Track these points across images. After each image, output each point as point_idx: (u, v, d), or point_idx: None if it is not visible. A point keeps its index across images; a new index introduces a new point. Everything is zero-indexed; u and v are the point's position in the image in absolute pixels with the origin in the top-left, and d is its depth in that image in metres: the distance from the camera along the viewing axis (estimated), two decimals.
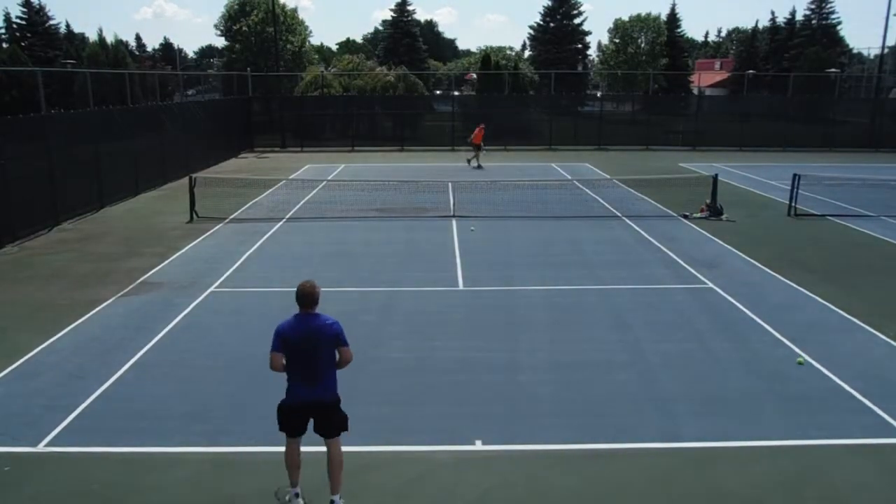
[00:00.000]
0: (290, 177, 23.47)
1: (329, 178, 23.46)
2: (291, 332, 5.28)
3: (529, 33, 61.91)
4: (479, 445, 6.45)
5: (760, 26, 68.82)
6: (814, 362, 8.29)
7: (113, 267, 12.43)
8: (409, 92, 37.19)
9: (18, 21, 50.64)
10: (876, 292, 11.14)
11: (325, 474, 5.39)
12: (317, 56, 63.94)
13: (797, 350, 8.64)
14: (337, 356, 5.34)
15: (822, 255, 13.52)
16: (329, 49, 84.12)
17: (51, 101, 24.01)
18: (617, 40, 57.84)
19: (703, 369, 8.17)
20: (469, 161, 26.40)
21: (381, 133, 34.77)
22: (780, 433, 6.70)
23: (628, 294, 10.99)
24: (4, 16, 50.95)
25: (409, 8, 61.78)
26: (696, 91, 51.23)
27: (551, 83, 41.23)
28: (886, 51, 50.12)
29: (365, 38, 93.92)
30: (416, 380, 7.79)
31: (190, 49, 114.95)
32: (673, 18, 59.33)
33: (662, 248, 13.94)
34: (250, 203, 18.57)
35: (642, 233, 15.28)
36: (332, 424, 5.39)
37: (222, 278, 11.72)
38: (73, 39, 56.21)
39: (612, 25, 58.45)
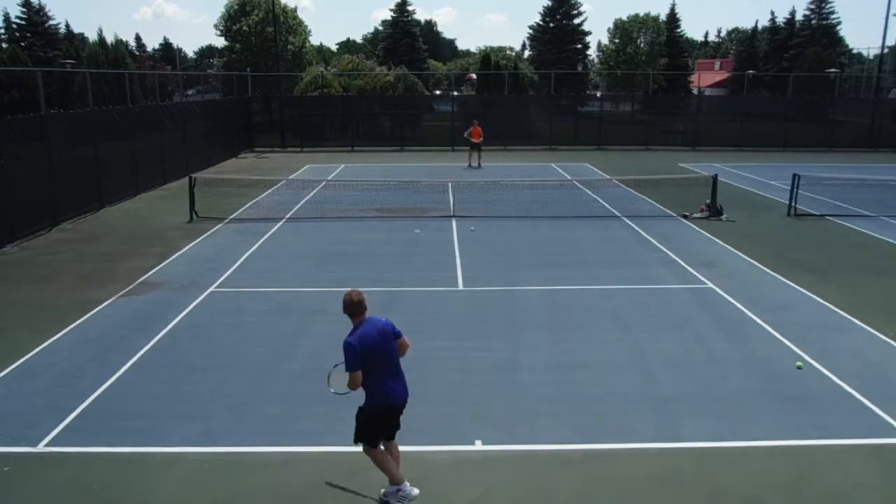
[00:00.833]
0: (290, 177, 23.48)
1: (329, 178, 23.46)
2: (366, 341, 5.28)
3: (529, 33, 61.99)
4: (479, 445, 6.45)
5: (760, 26, 68.96)
6: (814, 362, 8.29)
7: (113, 267, 12.43)
8: (409, 92, 37.19)
9: (18, 21, 50.66)
10: (876, 292, 11.15)
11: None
12: (317, 55, 63.92)
13: (797, 350, 8.64)
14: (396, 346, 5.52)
15: (822, 255, 13.52)
16: (329, 49, 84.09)
17: (51, 101, 24.04)
18: (617, 40, 57.82)
19: (702, 369, 8.18)
20: (470, 164, 26.31)
21: (380, 133, 34.77)
22: (780, 433, 6.70)
23: (628, 294, 10.99)
24: (4, 16, 50.99)
25: (409, 8, 61.76)
26: (695, 91, 51.25)
27: (551, 83, 41.24)
28: (886, 51, 50.17)
29: (365, 38, 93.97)
30: (416, 380, 7.74)
31: (190, 49, 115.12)
32: (673, 18, 59.40)
33: (662, 248, 13.94)
34: (250, 203, 18.58)
35: (642, 233, 15.28)
36: (398, 423, 5.60)
37: (222, 278, 11.72)
38: (73, 39, 56.17)
39: (611, 25, 58.50)
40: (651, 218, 16.98)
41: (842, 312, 10.11)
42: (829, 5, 59.85)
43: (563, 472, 6.06)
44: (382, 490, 5.63)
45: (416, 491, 5.57)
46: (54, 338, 8.99)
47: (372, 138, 34.21)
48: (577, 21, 58.28)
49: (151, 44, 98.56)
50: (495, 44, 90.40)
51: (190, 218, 16.48)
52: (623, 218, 16.88)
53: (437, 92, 52.18)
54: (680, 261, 12.91)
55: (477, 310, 10.27)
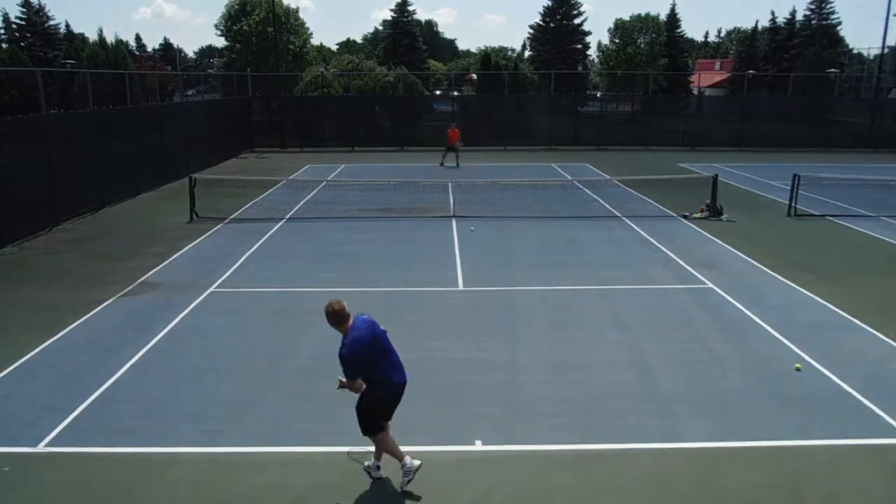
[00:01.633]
0: (290, 177, 23.46)
1: (329, 178, 23.46)
2: (357, 348, 5.37)
3: (529, 33, 62.03)
4: (479, 445, 6.45)
5: (760, 26, 68.97)
6: (814, 362, 8.29)
7: (113, 267, 12.42)
8: (409, 92, 37.18)
9: (18, 21, 50.66)
10: (876, 292, 11.14)
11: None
12: (317, 55, 63.90)
13: (797, 350, 8.64)
14: None
15: (822, 255, 13.52)
16: (329, 49, 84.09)
17: (50, 102, 24.02)
18: (617, 40, 57.85)
19: (702, 369, 8.17)
20: (443, 163, 26.49)
21: (380, 133, 34.77)
22: (780, 433, 6.69)
23: (628, 294, 10.99)
24: (4, 16, 50.99)
25: (409, 8, 61.85)
26: (695, 91, 51.24)
27: (551, 83, 41.25)
28: (886, 51, 50.12)
29: (365, 39, 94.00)
30: (416, 380, 7.74)
31: (190, 49, 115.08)
32: (673, 18, 59.43)
33: (662, 248, 13.93)
34: (250, 203, 18.58)
35: (642, 233, 15.28)
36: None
37: (222, 278, 11.72)
38: (73, 39, 56.19)
39: (612, 25, 58.53)
40: (651, 218, 16.97)
41: (842, 312, 10.10)
42: (829, 5, 59.92)
43: (563, 472, 6.06)
44: (369, 463, 5.85)
45: (417, 462, 5.68)
46: (54, 338, 8.98)
47: (372, 138, 34.20)
48: (577, 21, 58.37)
49: (151, 44, 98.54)
50: (495, 44, 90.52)
51: (190, 218, 16.48)
52: (623, 218, 16.88)
53: (438, 92, 52.19)
54: (680, 261, 12.91)
55: (477, 310, 10.26)
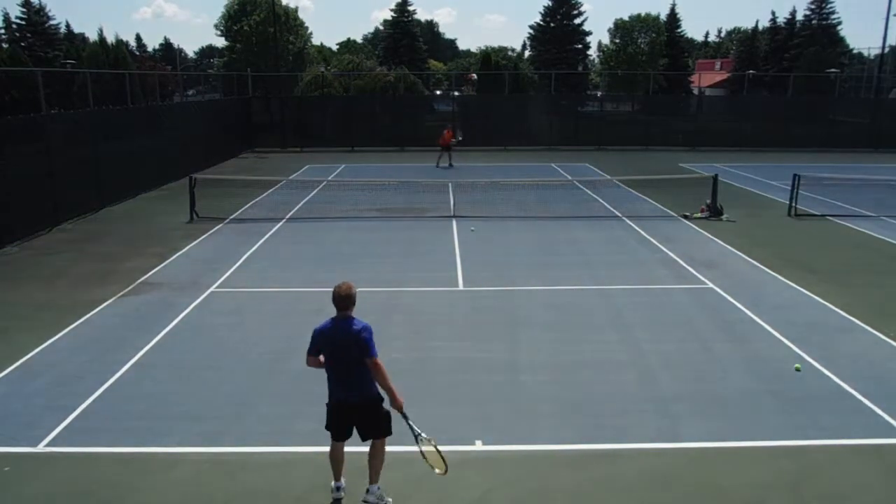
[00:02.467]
0: (291, 177, 23.46)
1: (329, 178, 23.46)
2: (325, 336, 5.31)
3: (529, 33, 62.04)
4: (479, 445, 6.45)
5: (760, 26, 68.94)
6: (814, 362, 8.28)
7: (113, 267, 12.42)
8: (409, 92, 37.18)
9: (18, 21, 50.69)
10: (876, 292, 11.14)
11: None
12: (317, 55, 63.91)
13: (797, 350, 8.64)
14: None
15: (822, 255, 13.52)
16: (329, 49, 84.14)
17: (51, 101, 23.98)
18: (617, 40, 57.85)
19: (703, 369, 8.17)
20: (438, 164, 26.57)
21: (381, 133, 34.77)
22: (780, 433, 6.69)
23: (628, 294, 10.99)
24: (4, 16, 51.02)
25: (410, 8, 61.85)
26: (696, 91, 51.25)
27: (551, 83, 41.25)
28: (886, 51, 50.14)
29: (365, 39, 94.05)
30: (416, 380, 7.78)
31: (190, 49, 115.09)
32: (673, 18, 59.48)
33: (662, 248, 13.93)
34: (250, 203, 18.58)
35: (642, 233, 15.28)
36: (371, 425, 5.42)
37: (222, 278, 11.72)
38: (73, 39, 56.22)
39: (612, 25, 58.53)
40: (651, 218, 16.97)
41: (842, 312, 10.10)
42: (829, 5, 59.90)
43: (563, 472, 6.06)
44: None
45: (341, 494, 5.54)
46: (54, 338, 8.99)
47: (372, 138, 34.20)
48: (577, 21, 58.40)
49: (152, 44, 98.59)
50: (495, 44, 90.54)
51: (190, 218, 16.48)
52: (623, 218, 16.88)
53: (438, 92, 52.19)
54: (680, 261, 12.91)
55: (477, 310, 10.26)
